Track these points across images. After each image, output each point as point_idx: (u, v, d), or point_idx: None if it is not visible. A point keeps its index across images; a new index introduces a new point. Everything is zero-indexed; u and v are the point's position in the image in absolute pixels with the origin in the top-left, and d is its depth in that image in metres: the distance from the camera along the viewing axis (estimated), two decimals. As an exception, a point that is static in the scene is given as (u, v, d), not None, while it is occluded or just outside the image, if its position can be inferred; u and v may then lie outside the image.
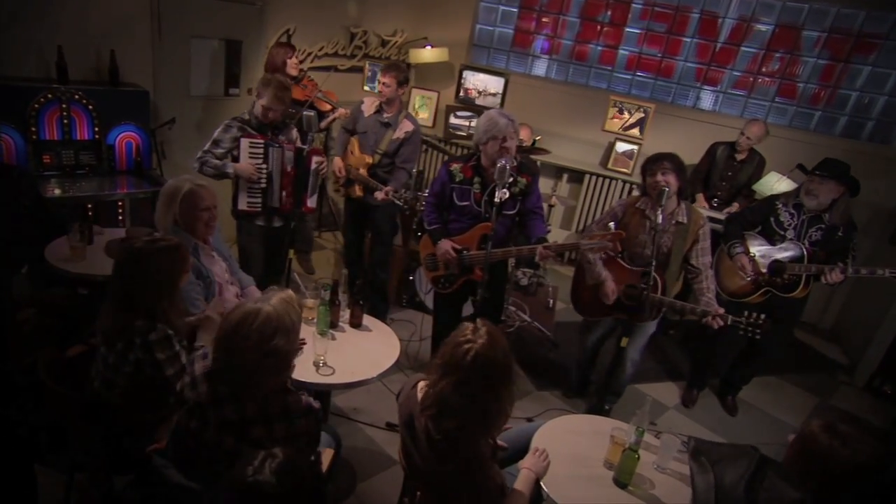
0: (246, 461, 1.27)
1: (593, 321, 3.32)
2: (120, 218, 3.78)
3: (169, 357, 1.97)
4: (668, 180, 2.87)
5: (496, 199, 2.69)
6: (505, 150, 2.82)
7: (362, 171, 3.77)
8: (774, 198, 3.49)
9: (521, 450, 2.20)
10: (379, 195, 3.62)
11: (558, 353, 4.17)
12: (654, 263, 2.79)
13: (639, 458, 1.99)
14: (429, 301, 4.25)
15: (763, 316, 2.75)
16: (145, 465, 1.89)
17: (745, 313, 2.78)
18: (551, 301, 4.85)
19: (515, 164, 2.99)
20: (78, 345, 2.34)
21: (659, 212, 2.87)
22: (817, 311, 5.21)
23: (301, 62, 4.34)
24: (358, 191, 3.83)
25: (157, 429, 1.94)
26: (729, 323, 2.79)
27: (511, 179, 2.93)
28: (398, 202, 3.58)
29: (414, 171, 4.08)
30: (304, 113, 3.14)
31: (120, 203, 3.66)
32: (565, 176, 5.79)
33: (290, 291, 1.72)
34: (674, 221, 2.98)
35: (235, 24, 4.52)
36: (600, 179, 5.62)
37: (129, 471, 2.13)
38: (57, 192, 3.47)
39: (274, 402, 1.66)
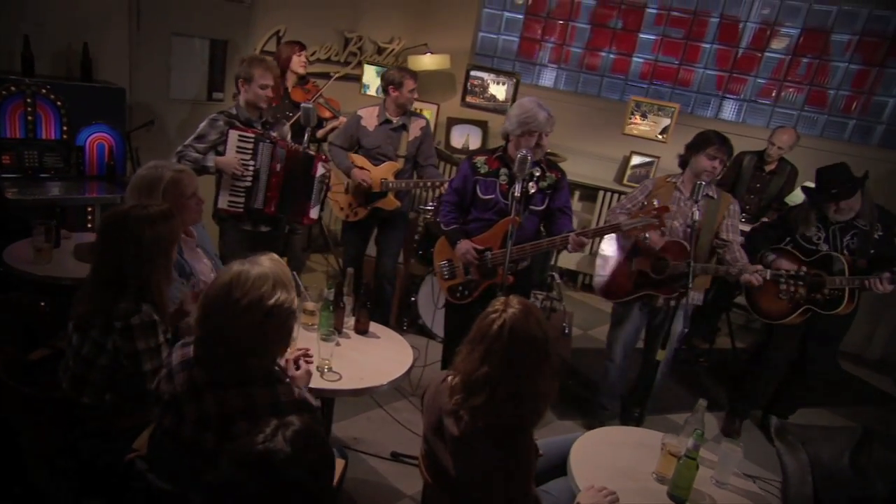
0: (256, 430, 1.17)
1: (623, 313, 3.33)
2: (90, 225, 3.67)
3: (150, 349, 1.88)
4: (720, 169, 3.08)
5: (519, 191, 2.70)
6: (540, 147, 2.89)
7: (391, 178, 3.81)
8: (792, 210, 3.51)
9: (556, 465, 2.10)
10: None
11: (577, 382, 4.08)
12: (692, 263, 2.81)
13: (698, 467, 1.89)
14: (435, 327, 4.13)
15: (804, 269, 2.97)
16: (123, 478, 1.77)
17: (785, 271, 3.01)
18: (566, 327, 4.76)
19: (545, 158, 3.05)
20: (42, 348, 2.23)
21: (695, 208, 2.89)
22: (862, 340, 5.16)
23: (310, 62, 4.37)
24: (392, 201, 3.83)
25: (137, 435, 1.82)
26: (769, 277, 2.98)
27: (539, 173, 2.98)
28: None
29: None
30: (303, 105, 3.13)
31: (90, 209, 3.58)
32: (577, 193, 5.80)
33: (275, 255, 1.67)
34: (704, 193, 3.06)
35: (221, 23, 4.55)
36: (616, 196, 5.63)
37: (101, 490, 1.99)
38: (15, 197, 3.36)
39: (261, 392, 1.55)
